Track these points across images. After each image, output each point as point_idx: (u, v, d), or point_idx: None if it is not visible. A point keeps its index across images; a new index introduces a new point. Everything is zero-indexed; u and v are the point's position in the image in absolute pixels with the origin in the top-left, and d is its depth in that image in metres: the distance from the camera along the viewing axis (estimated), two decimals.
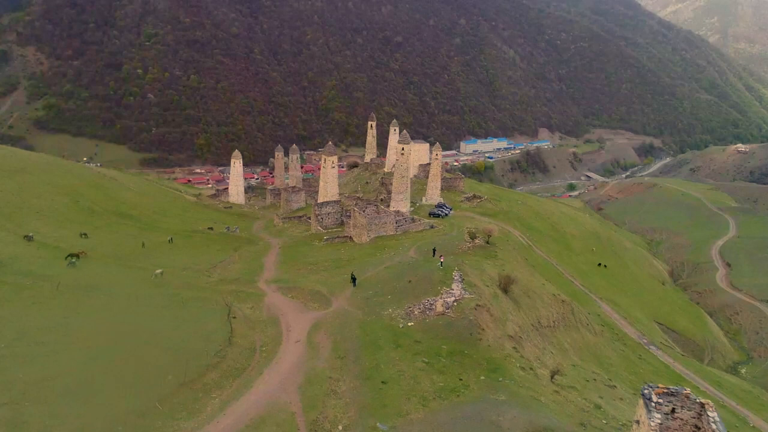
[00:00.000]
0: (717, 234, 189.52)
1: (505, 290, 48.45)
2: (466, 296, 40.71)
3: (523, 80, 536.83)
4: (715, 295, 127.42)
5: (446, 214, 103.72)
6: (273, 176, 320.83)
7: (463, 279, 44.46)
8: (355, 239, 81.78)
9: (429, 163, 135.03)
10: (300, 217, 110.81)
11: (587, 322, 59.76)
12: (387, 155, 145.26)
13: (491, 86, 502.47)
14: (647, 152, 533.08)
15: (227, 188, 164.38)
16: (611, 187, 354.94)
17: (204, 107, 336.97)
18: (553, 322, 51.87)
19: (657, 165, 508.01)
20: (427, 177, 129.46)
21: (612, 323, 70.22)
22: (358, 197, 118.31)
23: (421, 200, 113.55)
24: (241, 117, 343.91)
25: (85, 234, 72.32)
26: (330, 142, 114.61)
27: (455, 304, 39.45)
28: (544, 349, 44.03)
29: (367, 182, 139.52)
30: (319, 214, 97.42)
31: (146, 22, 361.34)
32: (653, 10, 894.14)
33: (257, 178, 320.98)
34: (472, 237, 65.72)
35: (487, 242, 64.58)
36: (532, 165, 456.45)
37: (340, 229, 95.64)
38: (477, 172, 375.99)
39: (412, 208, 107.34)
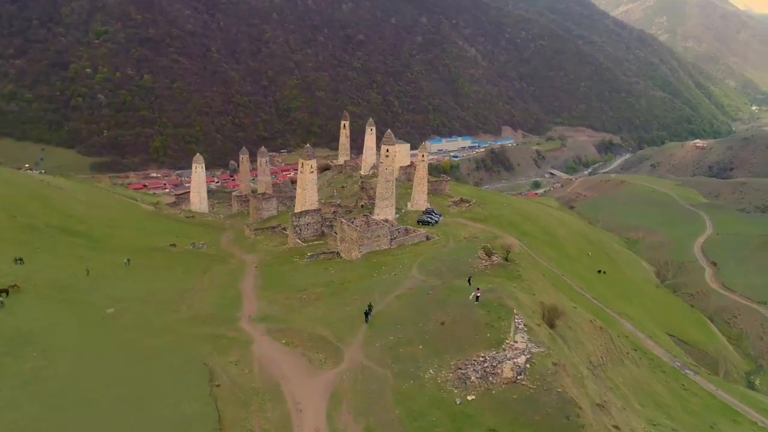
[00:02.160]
0: (694, 231, 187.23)
1: (551, 325, 39.57)
2: (534, 350, 31.32)
3: (486, 78, 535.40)
4: (709, 298, 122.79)
5: (436, 221, 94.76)
6: (234, 179, 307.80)
7: (528, 327, 34.61)
8: (343, 255, 71.70)
9: (411, 165, 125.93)
10: (274, 227, 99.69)
11: (626, 350, 51.74)
12: (363, 156, 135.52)
13: (454, 85, 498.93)
14: (607, 149, 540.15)
15: (187, 192, 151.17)
16: (578, 184, 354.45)
17: (159, 108, 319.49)
18: (601, 357, 43.44)
19: (618, 161, 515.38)
20: (409, 180, 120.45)
21: (641, 345, 62.64)
22: (338, 204, 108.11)
23: (407, 206, 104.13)
24: (198, 118, 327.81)
25: (21, 259, 59.78)
26: (308, 145, 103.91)
27: (528, 366, 29.83)
28: (609, 401, 35.25)
29: (343, 186, 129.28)
30: (297, 225, 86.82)
31: (95, 19, 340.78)
32: (606, 9, 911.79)
33: (217, 182, 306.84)
34: (489, 254, 56.63)
35: (506, 259, 55.67)
36: (497, 163, 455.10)
37: (321, 242, 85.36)
38: (443, 171, 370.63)
39: (397, 215, 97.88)
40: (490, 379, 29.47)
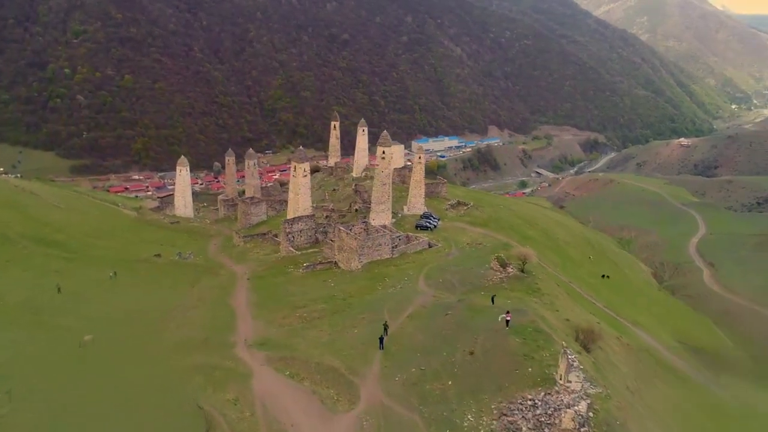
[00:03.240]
0: (688, 231, 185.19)
1: (586, 349, 35.51)
2: (591, 391, 27.10)
3: (471, 78, 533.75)
4: (711, 300, 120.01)
5: (435, 226, 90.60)
6: (219, 181, 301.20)
7: (583, 368, 29.91)
8: (341, 265, 67.11)
9: (405, 167, 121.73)
10: (264, 234, 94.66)
11: (653, 367, 48.02)
12: (354, 158, 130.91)
13: (440, 84, 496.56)
14: (592, 148, 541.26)
15: (171, 195, 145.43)
16: (566, 183, 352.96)
17: (140, 109, 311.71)
18: (635, 381, 39.50)
19: (603, 160, 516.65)
20: (404, 183, 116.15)
21: (663, 359, 58.91)
22: (331, 208, 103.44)
23: (403, 210, 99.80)
24: (181, 119, 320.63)
25: None
26: (301, 147, 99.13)
27: (591, 414, 25.51)
28: None
29: (334, 189, 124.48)
30: (289, 232, 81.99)
31: (73, 17, 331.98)
32: (588, 9, 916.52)
33: (201, 184, 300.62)
34: (503, 265, 52.44)
35: (522, 270, 51.55)
36: (483, 163, 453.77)
37: (316, 250, 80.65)
38: (430, 171, 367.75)
39: (393, 220, 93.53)
40: (546, 430, 25.18)
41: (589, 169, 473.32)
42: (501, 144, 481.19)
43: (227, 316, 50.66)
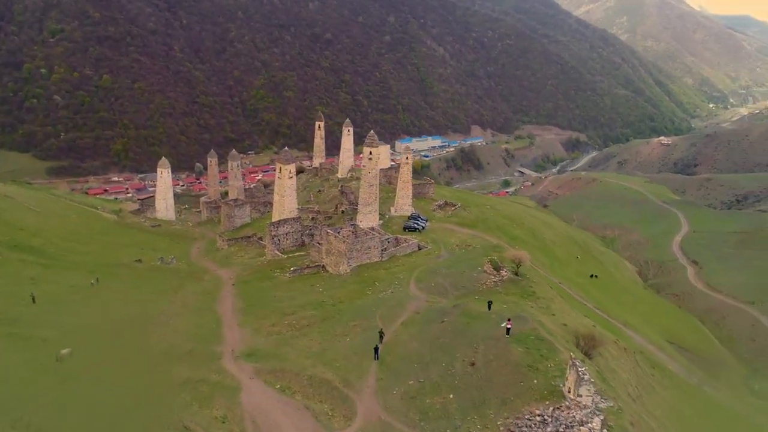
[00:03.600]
0: (670, 229, 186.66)
1: (588, 355, 34.51)
2: (602, 405, 25.96)
3: (454, 78, 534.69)
4: (695, 298, 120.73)
5: (423, 227, 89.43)
6: (201, 182, 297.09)
7: (593, 380, 28.64)
8: (329, 269, 65.53)
9: (391, 167, 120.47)
10: (249, 237, 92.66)
11: (649, 371, 47.30)
12: (340, 158, 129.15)
13: (423, 84, 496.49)
14: (574, 147, 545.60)
15: (152, 197, 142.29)
16: (549, 182, 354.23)
17: (120, 109, 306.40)
18: (636, 387, 38.65)
19: (585, 159, 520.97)
20: (390, 183, 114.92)
21: (656, 361, 58.36)
22: (316, 210, 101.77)
23: (390, 211, 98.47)
24: (161, 119, 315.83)
25: None
26: (286, 147, 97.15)
27: (605, 431, 24.40)
28: None
29: (319, 190, 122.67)
30: (275, 235, 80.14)
31: (49, 16, 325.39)
32: (568, 9, 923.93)
33: (183, 185, 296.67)
34: (497, 268, 51.37)
35: (516, 273, 50.54)
36: (467, 162, 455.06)
37: (302, 253, 78.96)
38: (414, 171, 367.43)
39: (381, 222, 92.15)
40: None
41: (572, 168, 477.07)
42: (484, 143, 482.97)
43: (212, 324, 48.80)
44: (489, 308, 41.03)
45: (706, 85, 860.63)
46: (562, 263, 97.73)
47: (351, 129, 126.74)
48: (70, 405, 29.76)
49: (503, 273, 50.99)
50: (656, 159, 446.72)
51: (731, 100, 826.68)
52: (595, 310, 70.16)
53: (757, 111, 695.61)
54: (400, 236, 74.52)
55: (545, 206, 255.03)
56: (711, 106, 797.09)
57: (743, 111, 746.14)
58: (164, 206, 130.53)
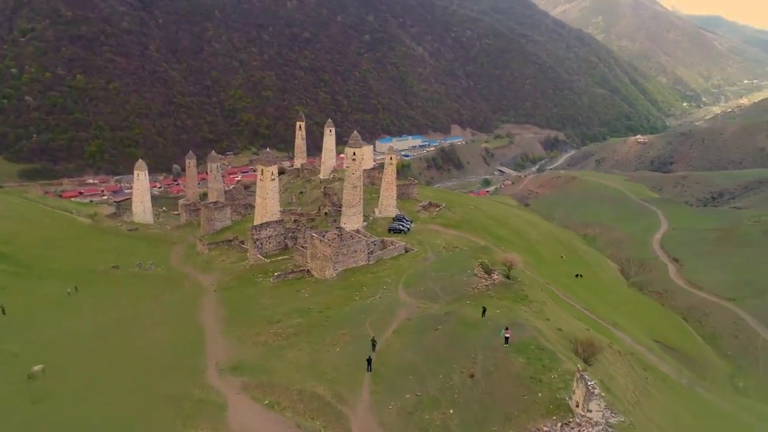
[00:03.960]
0: (650, 227, 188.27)
1: (587, 362, 33.53)
2: (612, 420, 24.84)
3: (433, 77, 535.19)
4: (677, 296, 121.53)
5: (408, 229, 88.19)
6: (179, 184, 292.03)
7: (603, 394, 27.06)
8: (315, 273, 63.82)
9: (374, 168, 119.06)
10: (230, 240, 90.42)
11: (644, 375, 46.66)
12: (322, 159, 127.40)
13: (403, 83, 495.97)
14: (552, 145, 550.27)
15: (128, 199, 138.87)
16: (529, 181, 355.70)
17: (94, 110, 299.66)
18: (634, 393, 37.84)
19: (563, 157, 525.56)
20: (373, 184, 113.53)
21: (648, 363, 57.83)
22: (299, 212, 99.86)
23: (374, 213, 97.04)
24: (137, 120, 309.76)
25: None
26: (267, 149, 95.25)
27: None
28: None
29: (301, 192, 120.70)
30: (257, 239, 78.10)
31: (20, 15, 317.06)
32: (545, 9, 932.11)
33: (160, 187, 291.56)
34: (488, 271, 50.25)
35: (508, 277, 49.48)
36: (447, 162, 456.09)
37: (286, 257, 77.07)
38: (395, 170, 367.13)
39: (365, 223, 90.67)
40: None
41: (551, 167, 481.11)
42: (464, 143, 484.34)
43: (195, 334, 46.70)
44: (483, 314, 39.78)
45: (680, 84, 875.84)
46: (548, 263, 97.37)
47: (333, 129, 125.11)
48: (43, 427, 27.71)
49: (495, 276, 49.94)
50: (633, 157, 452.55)
51: (704, 99, 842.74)
52: (584, 311, 69.67)
53: (730, 110, 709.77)
54: (386, 239, 73.10)
55: (527, 205, 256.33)
56: (685, 104, 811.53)
57: (716, 109, 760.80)
58: (141, 209, 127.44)
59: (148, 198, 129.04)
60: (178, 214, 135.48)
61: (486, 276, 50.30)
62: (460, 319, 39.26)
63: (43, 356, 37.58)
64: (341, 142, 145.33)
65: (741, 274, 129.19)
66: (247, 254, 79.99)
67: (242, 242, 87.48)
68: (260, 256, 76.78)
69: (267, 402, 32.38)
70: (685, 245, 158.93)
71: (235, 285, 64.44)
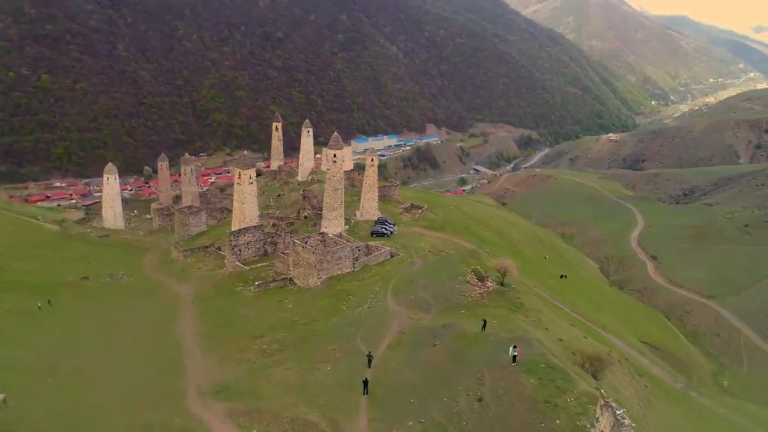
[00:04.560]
0: (627, 225, 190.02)
1: (595, 377, 31.82)
2: None
3: (408, 76, 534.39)
4: (658, 294, 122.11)
5: (391, 232, 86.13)
6: (150, 186, 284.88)
7: (633, 424, 24.58)
8: (297, 281, 61.15)
9: (354, 170, 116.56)
10: (206, 247, 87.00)
11: (644, 383, 45.31)
12: (300, 161, 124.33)
13: (377, 83, 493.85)
14: (526, 144, 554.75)
15: (98, 202, 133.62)
16: (505, 180, 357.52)
17: (61, 111, 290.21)
18: (640, 406, 36.30)
19: (538, 156, 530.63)
20: (353, 186, 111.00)
21: (643, 369, 56.65)
22: (277, 216, 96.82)
23: (356, 216, 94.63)
24: (106, 121, 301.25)
25: None
26: (245, 152, 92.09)
27: None
28: None
29: (279, 194, 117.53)
30: (235, 245, 74.97)
31: None
32: (517, 9, 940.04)
33: (131, 190, 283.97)
34: (481, 278, 48.28)
35: (502, 284, 47.63)
36: (423, 161, 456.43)
37: (266, 264, 74.17)
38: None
39: (347, 227, 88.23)
40: None
41: (525, 165, 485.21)
42: (439, 142, 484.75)
43: (172, 351, 43.62)
44: (484, 328, 37.55)
45: (648, 83, 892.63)
46: (532, 264, 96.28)
47: (311, 130, 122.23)
48: None
49: (488, 284, 47.98)
50: (606, 155, 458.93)
51: (672, 98, 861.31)
52: (573, 314, 68.48)
53: (697, 108, 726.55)
54: (371, 244, 70.66)
55: (504, 204, 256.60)
56: (653, 103, 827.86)
57: (684, 108, 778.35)
58: (112, 215, 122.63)
59: (118, 203, 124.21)
60: (151, 219, 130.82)
61: (479, 283, 48.35)
62: (459, 334, 37.08)
63: (4, 384, 34.19)
64: (317, 142, 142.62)
65: (718, 271, 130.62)
66: (225, 261, 76.79)
67: (219, 248, 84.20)
68: (239, 263, 73.69)
69: (255, 431, 29.77)
70: (662, 243, 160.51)
71: (214, 295, 61.32)
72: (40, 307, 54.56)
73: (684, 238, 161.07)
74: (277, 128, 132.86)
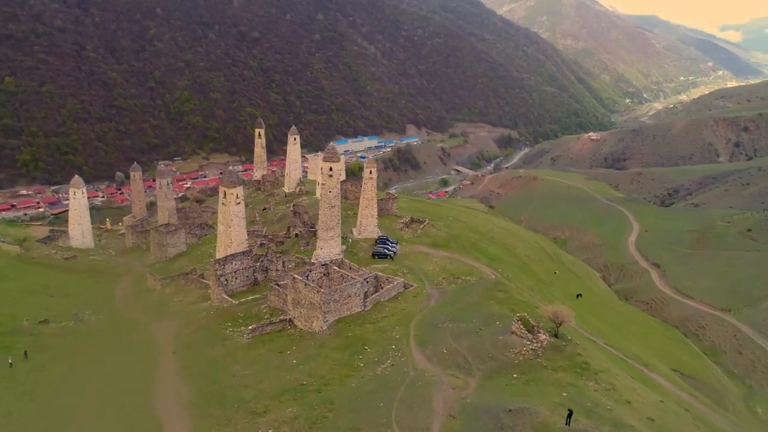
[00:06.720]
0: (621, 228, 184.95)
1: None
2: None
3: (387, 76, 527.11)
4: (669, 307, 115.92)
5: (395, 253, 77.43)
6: (122, 193, 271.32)
7: None
8: (299, 324, 52.05)
9: (348, 180, 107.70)
10: (187, 273, 77.10)
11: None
12: (286, 171, 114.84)
13: (356, 83, 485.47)
14: (506, 143, 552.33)
15: (65, 212, 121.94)
16: (489, 181, 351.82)
17: (26, 115, 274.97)
18: None
19: (518, 155, 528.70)
20: (346, 199, 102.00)
21: (695, 412, 48.66)
22: (265, 235, 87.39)
23: (353, 233, 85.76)
24: (75, 125, 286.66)
25: None
26: (230, 167, 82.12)
27: None
28: None
29: (264, 208, 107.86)
30: (222, 275, 65.40)
31: None
32: (492, 8, 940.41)
33: (103, 196, 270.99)
34: (530, 329, 39.93)
35: (556, 335, 39.42)
36: (404, 162, 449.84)
37: (257, 295, 64.83)
38: (352, 173, 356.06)
39: (344, 247, 79.41)
40: None
41: (506, 165, 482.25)
42: (420, 143, 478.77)
43: None
44: (568, 421, 28.70)
45: (622, 82, 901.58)
46: (544, 283, 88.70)
47: (297, 137, 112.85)
48: None
49: (542, 337, 39.55)
50: (587, 154, 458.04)
51: (645, 96, 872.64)
52: (607, 347, 60.77)
53: (672, 105, 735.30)
54: (380, 274, 61.52)
55: (491, 207, 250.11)
56: (627, 101, 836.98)
57: (658, 106, 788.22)
58: (80, 232, 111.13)
59: (87, 219, 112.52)
60: (123, 235, 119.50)
61: (529, 336, 39.93)
62: (539, 426, 28.66)
63: None
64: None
65: (727, 280, 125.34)
66: (210, 293, 67.11)
67: (202, 276, 74.51)
68: (226, 296, 64.18)
69: None
70: (662, 248, 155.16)
71: (199, 341, 51.77)
72: (11, 363, 44.83)
73: (684, 243, 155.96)
74: (260, 135, 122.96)
